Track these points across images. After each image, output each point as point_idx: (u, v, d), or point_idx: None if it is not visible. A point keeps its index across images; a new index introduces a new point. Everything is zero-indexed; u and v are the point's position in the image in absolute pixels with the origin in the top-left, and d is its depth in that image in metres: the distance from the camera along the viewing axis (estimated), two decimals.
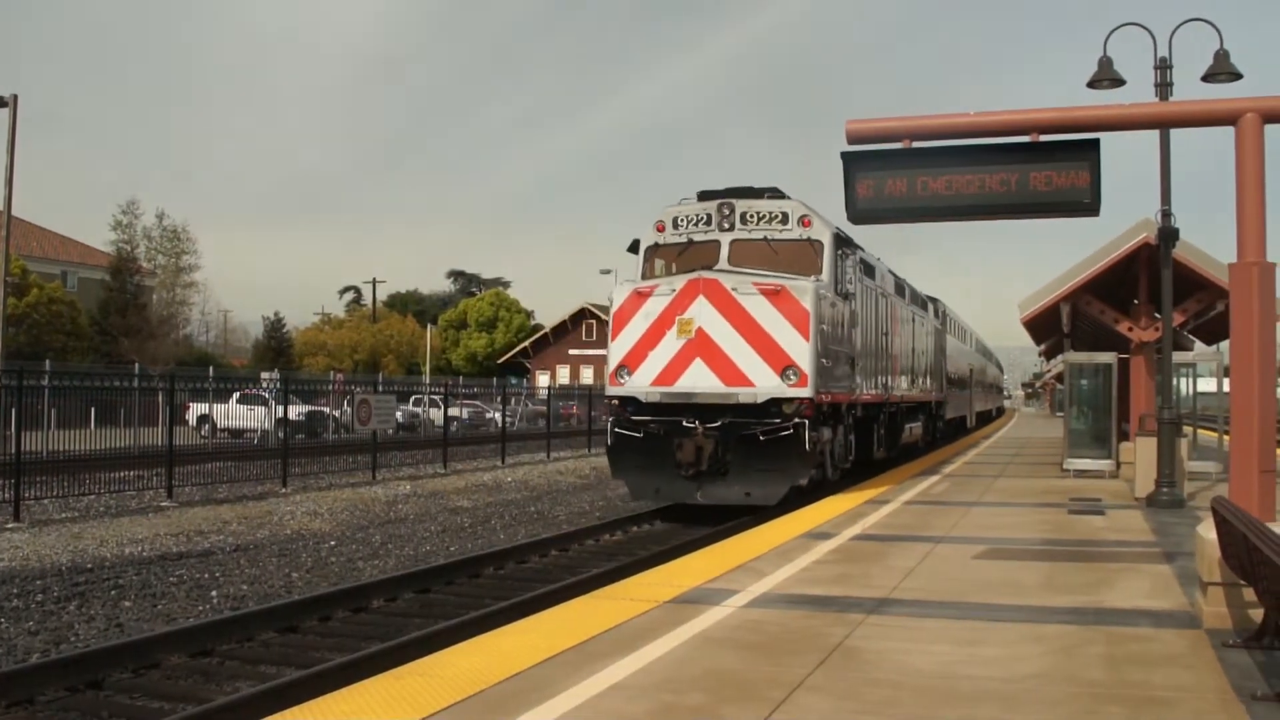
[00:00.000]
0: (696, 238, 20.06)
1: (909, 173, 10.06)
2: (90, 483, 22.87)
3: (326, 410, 42.61)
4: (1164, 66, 16.81)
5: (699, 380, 18.74)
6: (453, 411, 43.31)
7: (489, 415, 54.71)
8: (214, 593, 14.34)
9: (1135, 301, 22.62)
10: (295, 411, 37.15)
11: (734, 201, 19.88)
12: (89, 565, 15.67)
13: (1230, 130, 9.45)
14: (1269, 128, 9.35)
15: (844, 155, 10.26)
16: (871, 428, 24.38)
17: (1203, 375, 28.84)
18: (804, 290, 18.54)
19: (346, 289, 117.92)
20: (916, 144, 10.07)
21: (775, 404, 18.50)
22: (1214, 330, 26.29)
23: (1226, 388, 12.75)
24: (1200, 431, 28.03)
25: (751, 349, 18.52)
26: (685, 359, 18.84)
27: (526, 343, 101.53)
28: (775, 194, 20.10)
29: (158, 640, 10.80)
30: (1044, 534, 14.01)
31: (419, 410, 50.93)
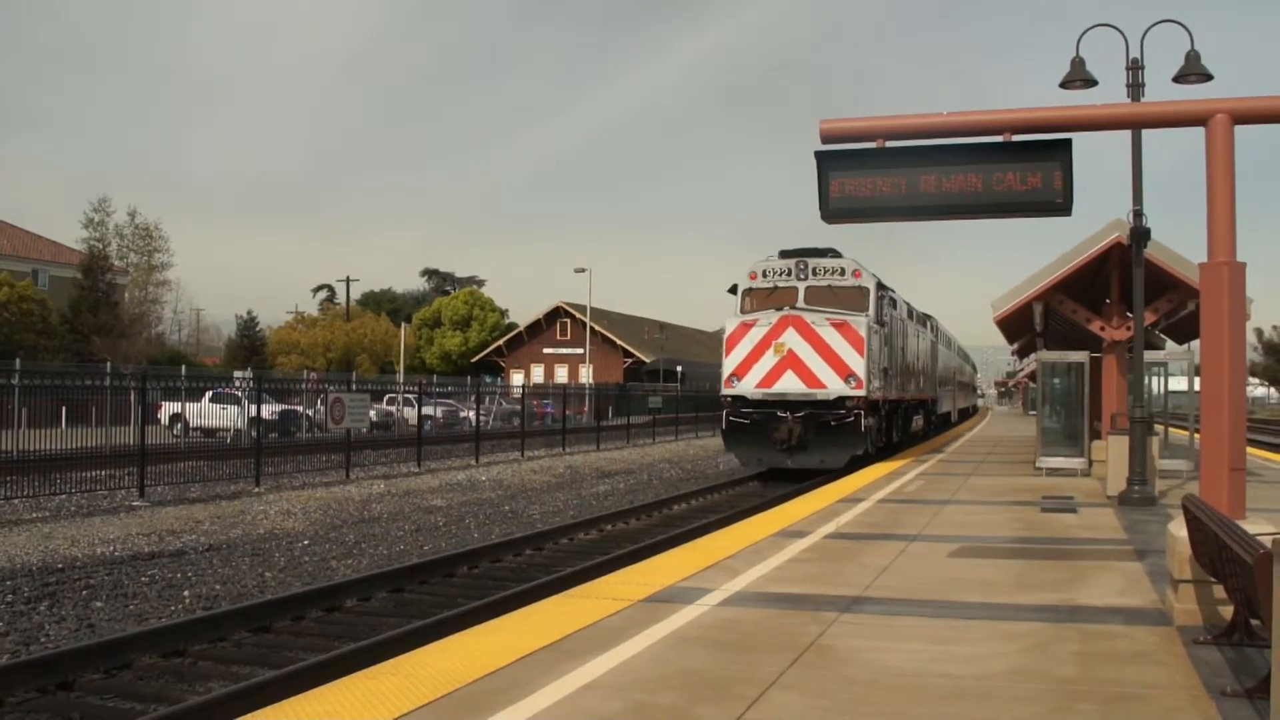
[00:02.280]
0: (780, 284, 27.90)
1: (882, 172, 10.08)
2: (61, 482, 22.74)
3: (300, 409, 42.44)
4: (1136, 67, 16.92)
5: (789, 384, 26.54)
6: (427, 410, 43.23)
7: (463, 414, 54.61)
8: (186, 592, 14.28)
9: (1107, 301, 22.76)
10: (268, 410, 37.01)
11: (807, 259, 27.95)
12: (60, 565, 15.58)
13: (1201, 130, 9.51)
14: (1240, 128, 9.41)
15: (818, 155, 10.28)
16: (893, 418, 31.91)
17: (1174, 374, 28.97)
18: (859, 323, 26.53)
19: (320, 287, 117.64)
20: (890, 144, 10.10)
21: (840, 400, 26.27)
22: (1185, 329, 26.45)
23: (1197, 387, 12.86)
24: (1171, 430, 28.17)
25: (825, 363, 26.41)
26: (780, 370, 26.64)
27: (501, 341, 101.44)
28: (834, 254, 28.22)
29: (129, 640, 10.74)
30: (1017, 532, 14.07)
31: (393, 409, 50.85)
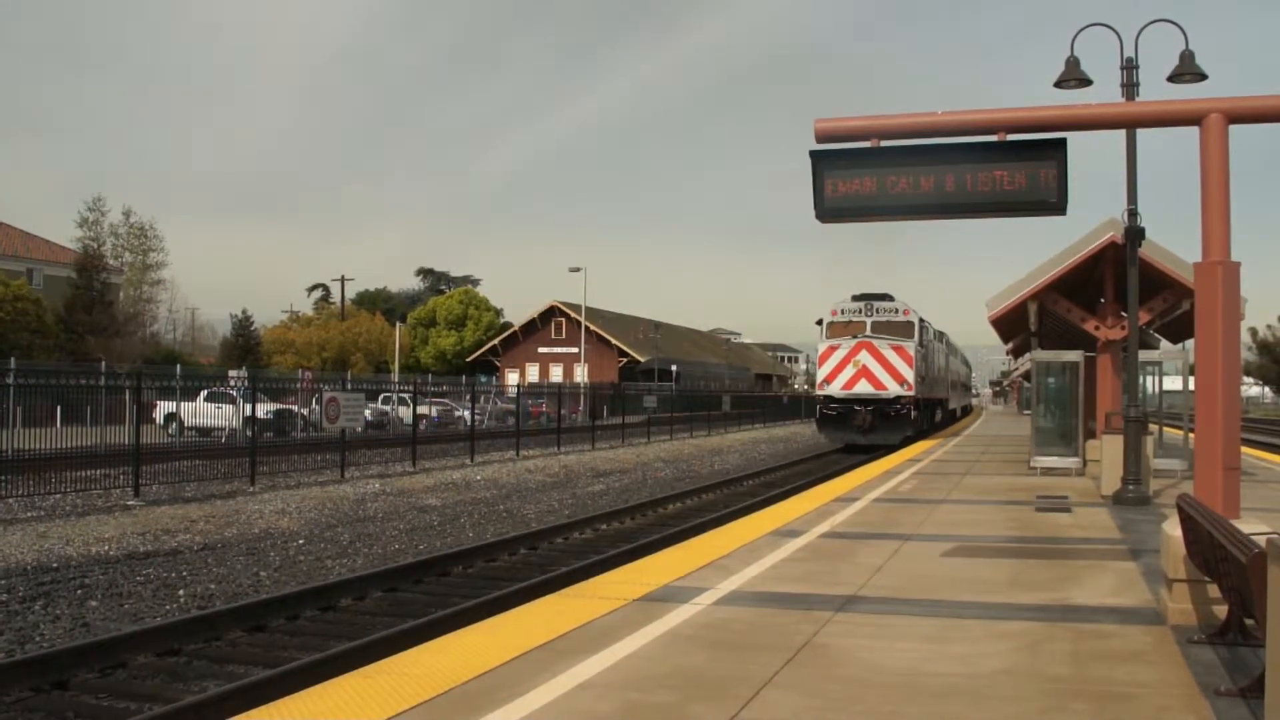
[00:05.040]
0: (852, 319, 39.45)
1: (877, 171, 10.05)
2: (56, 481, 22.66)
3: (295, 408, 42.35)
4: (1130, 67, 16.93)
5: (863, 388, 38.19)
6: (422, 410, 43.16)
7: (458, 414, 54.51)
8: (181, 592, 14.27)
9: (1102, 300, 22.76)
10: (263, 410, 36.90)
11: (872, 301, 39.53)
12: (55, 565, 15.55)
13: (1196, 130, 9.51)
14: (1234, 128, 9.41)
15: (812, 154, 10.26)
16: (926, 411, 42.89)
17: (1168, 373, 29.05)
18: (909, 346, 38.64)
19: (315, 286, 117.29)
20: (885, 143, 10.08)
21: (897, 399, 38.07)
22: (1179, 329, 26.47)
23: (1192, 386, 12.86)
24: (1166, 429, 28.23)
25: (886, 373, 38.19)
26: (856, 378, 38.39)
27: (496, 341, 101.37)
28: (890, 298, 39.84)
29: (124, 640, 10.74)
30: (1011, 531, 14.09)
31: (388, 408, 50.74)
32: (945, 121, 9.99)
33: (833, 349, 38.89)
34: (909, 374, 38.07)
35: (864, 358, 38.31)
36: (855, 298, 39.96)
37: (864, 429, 38.17)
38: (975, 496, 18.72)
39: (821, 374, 39.52)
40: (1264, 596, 5.25)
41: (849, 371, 38.34)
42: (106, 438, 26.93)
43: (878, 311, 39.37)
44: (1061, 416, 23.85)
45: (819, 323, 40.11)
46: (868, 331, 38.84)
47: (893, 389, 37.94)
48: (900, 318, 39.40)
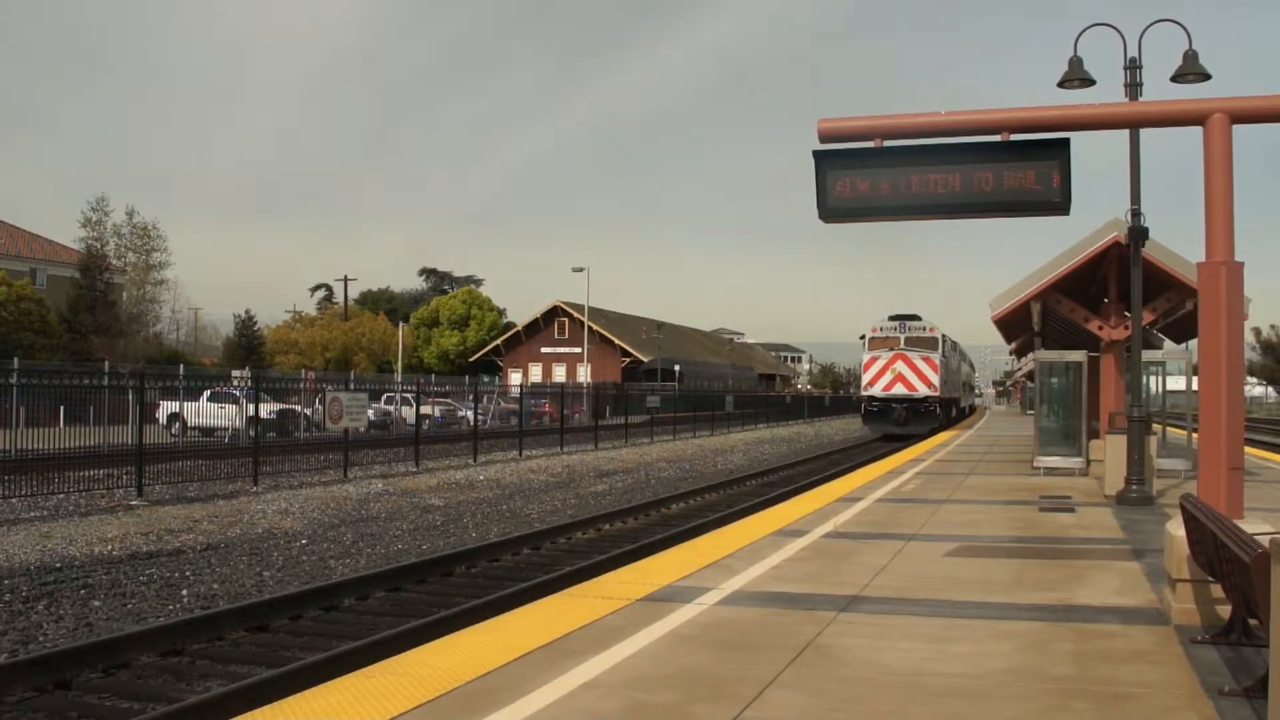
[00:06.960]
0: (889, 335, 48.73)
1: (880, 172, 10.04)
2: (59, 481, 22.67)
3: (298, 408, 42.36)
4: (1134, 67, 16.91)
5: (899, 390, 47.40)
6: (425, 410, 43.16)
7: (461, 413, 54.52)
8: (184, 592, 14.27)
9: (1105, 300, 22.74)
10: (266, 410, 36.90)
11: (905, 321, 48.81)
12: (58, 564, 15.56)
13: (1199, 130, 9.50)
14: (1237, 128, 9.39)
15: (816, 154, 10.25)
16: (946, 409, 51.69)
17: (1172, 373, 28.98)
18: (935, 357, 47.87)
19: (318, 286, 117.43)
20: (888, 143, 10.07)
21: (926, 398, 47.34)
22: (1183, 329, 26.43)
23: (1195, 386, 12.83)
24: (1169, 429, 28.16)
25: (917, 377, 47.42)
26: (893, 382, 47.56)
27: (499, 340, 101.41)
28: (919, 318, 49.17)
29: (128, 640, 10.74)
30: (1014, 531, 14.08)
31: (391, 408, 50.73)
32: (948, 122, 9.97)
33: (874, 359, 48.44)
34: (935, 379, 47.64)
35: (899, 366, 47.75)
36: (891, 318, 49.57)
37: (900, 422, 47.32)
38: (978, 496, 18.70)
39: (865, 378, 49.08)
40: (1267, 596, 5.25)
41: (888, 377, 47.80)
42: (109, 438, 26.96)
43: (909, 329, 48.76)
44: (1065, 416, 23.83)
45: (862, 338, 49.88)
46: (901, 345, 48.34)
47: (922, 391, 47.50)
48: (927, 334, 48.82)
